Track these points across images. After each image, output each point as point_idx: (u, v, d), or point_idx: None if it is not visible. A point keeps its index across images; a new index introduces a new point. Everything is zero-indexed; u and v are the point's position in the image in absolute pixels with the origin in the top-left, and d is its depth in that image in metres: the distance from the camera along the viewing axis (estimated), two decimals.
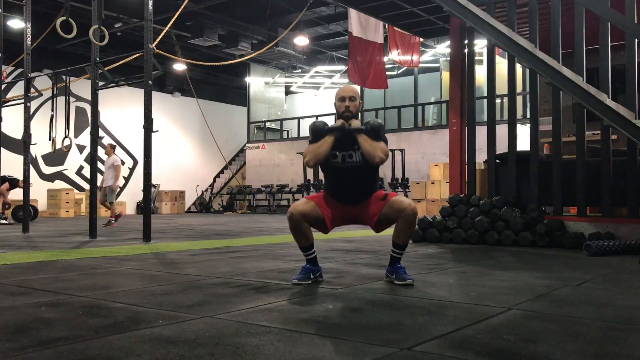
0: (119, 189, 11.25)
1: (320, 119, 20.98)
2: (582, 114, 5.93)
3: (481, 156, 7.06)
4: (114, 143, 12.77)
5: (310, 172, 17.95)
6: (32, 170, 15.35)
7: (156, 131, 6.90)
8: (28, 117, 8.76)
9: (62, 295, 2.99)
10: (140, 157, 14.51)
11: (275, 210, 18.93)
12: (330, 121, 3.52)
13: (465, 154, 6.85)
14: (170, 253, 5.36)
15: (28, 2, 8.82)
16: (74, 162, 18.35)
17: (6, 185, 11.89)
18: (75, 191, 17.66)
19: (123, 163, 13.24)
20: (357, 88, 3.63)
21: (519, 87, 10.66)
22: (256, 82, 22.12)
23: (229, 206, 20.53)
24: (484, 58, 7.70)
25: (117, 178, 10.79)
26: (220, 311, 2.53)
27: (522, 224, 5.77)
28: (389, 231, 3.44)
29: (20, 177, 9.38)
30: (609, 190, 5.76)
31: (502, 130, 6.60)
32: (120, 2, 14.20)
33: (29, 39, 8.79)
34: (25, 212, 8.80)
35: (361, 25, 14.70)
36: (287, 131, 22.61)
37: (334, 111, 3.49)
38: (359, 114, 3.47)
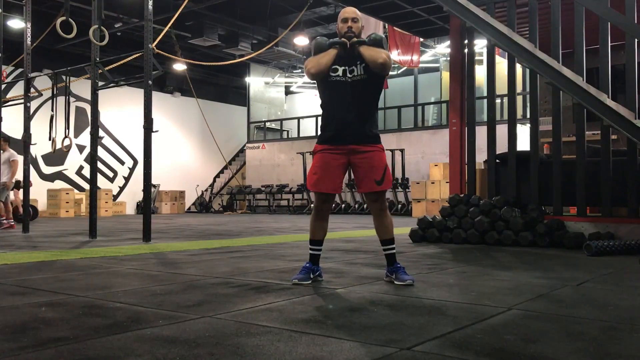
0: (13, 186, 10.56)
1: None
2: (582, 114, 5.93)
3: (481, 156, 7.06)
4: (7, 136, 11.47)
5: None
6: (32, 170, 15.35)
7: (156, 131, 6.89)
8: (28, 117, 8.76)
9: (62, 295, 2.99)
10: (140, 157, 14.52)
11: (275, 210, 18.93)
12: None
13: (465, 154, 6.85)
14: (170, 253, 5.36)
15: (28, 2, 8.82)
16: (74, 162, 18.35)
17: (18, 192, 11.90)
18: (75, 191, 17.66)
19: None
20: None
21: (519, 87, 10.66)
22: (256, 82, 22.13)
23: (229, 206, 20.53)
24: (484, 58, 7.70)
25: (13, 174, 10.11)
26: (220, 311, 2.53)
27: (522, 224, 5.77)
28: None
29: (21, 177, 9.36)
30: (609, 190, 5.76)
31: (502, 130, 6.60)
32: (120, 2, 14.20)
33: (29, 39, 8.79)
34: (25, 212, 8.80)
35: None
36: (287, 131, 22.61)
37: (337, 27, 3.49)
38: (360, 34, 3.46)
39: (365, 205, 16.61)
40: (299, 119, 21.24)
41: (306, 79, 22.53)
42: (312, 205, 3.80)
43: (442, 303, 2.73)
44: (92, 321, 2.35)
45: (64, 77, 9.33)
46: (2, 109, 9.02)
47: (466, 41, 6.96)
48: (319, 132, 3.51)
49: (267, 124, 21.90)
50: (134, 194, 19.75)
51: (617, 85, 6.53)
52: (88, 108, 15.93)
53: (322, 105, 3.50)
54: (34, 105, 12.96)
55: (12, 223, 9.94)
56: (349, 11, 3.44)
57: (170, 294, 3.02)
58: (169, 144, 20.55)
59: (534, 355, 1.84)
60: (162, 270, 4.08)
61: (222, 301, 2.79)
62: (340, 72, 3.34)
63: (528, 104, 12.13)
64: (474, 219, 6.07)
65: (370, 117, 3.40)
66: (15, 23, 14.59)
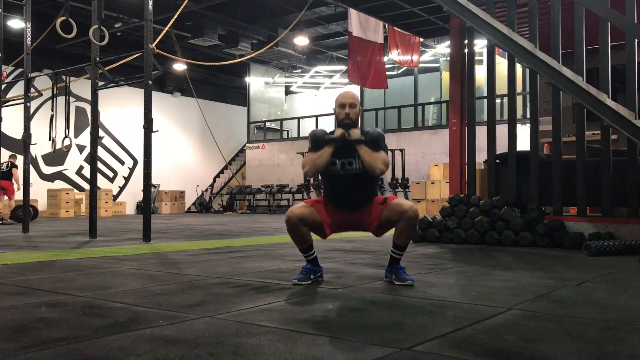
0: None
1: (320, 119, 20.93)
2: (582, 114, 5.93)
3: (481, 156, 7.06)
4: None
5: None
6: (32, 170, 15.36)
7: (156, 131, 6.89)
8: (28, 117, 8.76)
9: (62, 295, 2.99)
10: (140, 157, 14.51)
11: (275, 210, 18.93)
12: (330, 123, 3.47)
13: (465, 154, 6.85)
14: (170, 253, 5.36)
15: (28, 2, 8.82)
16: (74, 162, 18.35)
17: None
18: (75, 191, 17.66)
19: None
20: (357, 94, 3.57)
21: (519, 87, 10.65)
22: (256, 82, 22.12)
23: (229, 206, 20.53)
24: (484, 58, 7.69)
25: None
26: (220, 311, 2.53)
27: (522, 224, 5.77)
28: (390, 231, 3.44)
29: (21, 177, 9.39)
30: (609, 190, 5.76)
31: (502, 130, 6.60)
32: (120, 2, 14.20)
33: (29, 39, 8.79)
34: (25, 212, 8.80)
35: (361, 25, 14.69)
36: (287, 131, 22.61)
37: (333, 108, 3.46)
38: (359, 119, 3.45)
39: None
40: (299, 119, 21.24)
41: (306, 79, 22.56)
42: (286, 221, 3.59)
43: (442, 303, 2.73)
44: (92, 321, 2.35)
45: (64, 77, 9.34)
46: (2, 109, 9.03)
47: (466, 41, 6.96)
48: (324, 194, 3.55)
49: (267, 124, 21.90)
50: (134, 194, 19.75)
51: (617, 85, 6.53)
52: (88, 108, 15.93)
53: (323, 183, 3.56)
54: (34, 105, 12.97)
55: None
56: (347, 96, 3.40)
57: (170, 294, 3.02)
58: (169, 144, 20.54)
59: (534, 355, 1.84)
60: (162, 270, 4.08)
61: (222, 301, 2.78)
62: (338, 166, 3.34)
63: (528, 104, 12.13)
64: (474, 219, 6.07)
65: (371, 192, 3.44)
66: (15, 23, 14.59)
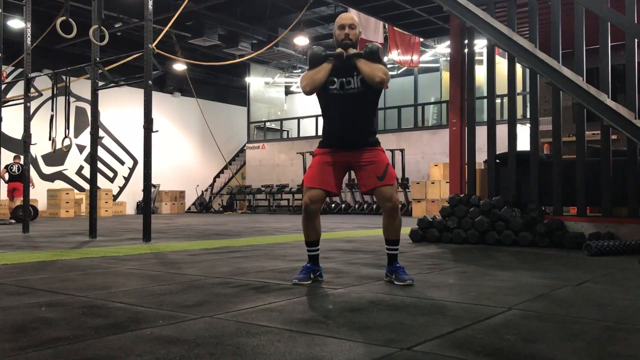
0: None
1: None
2: (582, 114, 5.93)
3: (481, 156, 7.06)
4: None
5: None
6: (32, 170, 15.38)
7: (156, 131, 6.89)
8: (28, 117, 8.76)
9: (62, 295, 2.99)
10: (140, 157, 14.51)
11: (275, 210, 18.93)
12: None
13: (465, 154, 6.85)
14: (170, 253, 5.36)
15: (28, 2, 8.82)
16: (74, 162, 18.36)
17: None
18: (75, 191, 17.67)
19: None
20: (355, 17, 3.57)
21: (519, 87, 10.65)
22: (256, 82, 22.13)
23: (229, 206, 20.53)
24: (484, 58, 7.70)
25: None
26: (220, 311, 2.53)
27: (522, 224, 5.77)
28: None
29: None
30: (609, 190, 5.76)
31: (502, 130, 6.60)
32: (120, 2, 14.20)
33: (29, 39, 8.79)
34: (25, 212, 8.80)
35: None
36: (287, 131, 22.61)
37: (333, 34, 3.42)
38: (358, 42, 3.41)
39: (365, 206, 16.63)
40: (299, 119, 21.24)
41: None
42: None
43: (442, 303, 2.73)
44: (92, 321, 2.35)
45: (64, 77, 9.33)
46: (2, 109, 9.03)
47: (466, 41, 6.96)
48: (321, 139, 3.50)
49: (267, 124, 21.90)
50: (134, 194, 19.76)
51: (617, 85, 6.53)
52: (88, 108, 15.93)
53: (322, 114, 3.51)
54: (34, 105, 12.96)
55: None
56: (346, 17, 3.40)
57: (170, 294, 3.02)
58: (169, 144, 20.55)
59: (534, 355, 1.84)
60: (162, 270, 4.08)
61: (222, 301, 2.78)
62: (337, 85, 3.31)
63: (528, 104, 12.13)
64: (474, 219, 6.07)
65: (369, 125, 3.40)
66: (15, 23, 14.59)
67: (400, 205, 3.37)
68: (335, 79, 3.30)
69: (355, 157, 3.34)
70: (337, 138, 3.37)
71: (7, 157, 12.87)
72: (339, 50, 3.32)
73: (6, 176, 12.93)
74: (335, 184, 3.37)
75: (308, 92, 3.34)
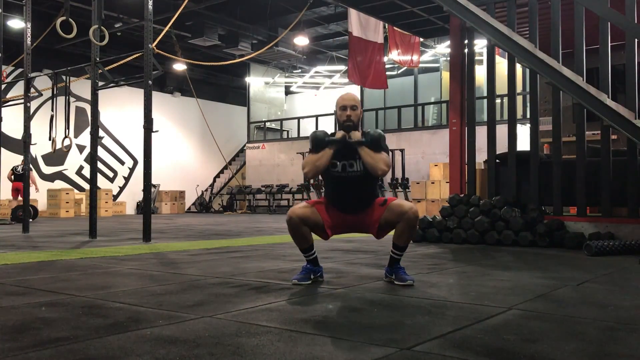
0: None
1: (320, 119, 20.92)
2: (582, 114, 5.93)
3: (481, 156, 7.06)
4: None
5: None
6: (36, 174, 15.40)
7: (156, 131, 6.89)
8: (28, 117, 8.76)
9: (62, 295, 2.99)
10: (140, 157, 14.52)
11: (275, 210, 18.92)
12: (330, 123, 3.46)
13: (465, 154, 6.85)
14: (170, 253, 5.36)
15: (28, 2, 8.82)
16: (74, 162, 18.36)
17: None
18: (75, 191, 17.67)
19: None
20: (357, 94, 3.55)
21: (519, 87, 10.66)
22: (256, 82, 22.12)
23: (229, 206, 20.52)
24: (484, 58, 7.69)
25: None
26: (220, 311, 2.53)
27: (522, 224, 5.77)
28: (389, 232, 3.44)
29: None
30: (609, 190, 5.76)
31: (502, 130, 6.60)
32: (120, 2, 14.20)
33: (29, 39, 8.79)
34: (25, 212, 8.80)
35: (361, 25, 14.69)
36: (287, 131, 22.61)
37: (334, 110, 3.46)
38: (360, 122, 3.45)
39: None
40: (299, 119, 21.23)
41: (306, 79, 22.55)
42: (287, 221, 3.63)
43: (442, 303, 2.73)
44: (92, 321, 2.35)
45: (64, 77, 9.33)
46: (2, 109, 9.02)
47: (466, 41, 6.96)
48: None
49: (267, 124, 21.90)
50: (134, 194, 19.75)
51: (617, 85, 6.52)
52: (88, 108, 15.93)
53: (324, 184, 3.57)
54: (34, 105, 12.97)
55: None
56: (348, 99, 3.39)
57: (170, 294, 3.02)
58: (169, 144, 20.55)
59: (534, 355, 1.84)
60: (162, 270, 4.08)
61: (222, 301, 2.78)
62: (339, 168, 3.34)
63: (528, 104, 12.12)
64: (474, 219, 6.07)
65: (371, 194, 3.44)
66: (15, 23, 14.59)
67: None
68: (338, 162, 3.34)
69: (358, 216, 3.40)
70: (340, 207, 3.42)
71: (8, 157, 12.87)
72: (340, 134, 3.33)
73: (12, 177, 13.08)
74: (331, 221, 3.37)
75: (310, 177, 3.40)
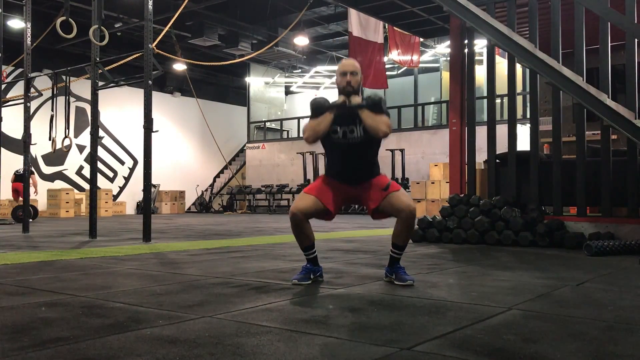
0: None
1: None
2: (582, 114, 5.93)
3: (481, 156, 7.06)
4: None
5: (310, 172, 17.94)
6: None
7: (156, 131, 6.89)
8: (28, 117, 8.76)
9: (62, 295, 2.99)
10: (140, 157, 14.51)
11: (275, 210, 18.93)
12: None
13: (465, 154, 6.85)
14: (170, 253, 5.36)
15: (28, 2, 8.82)
16: (74, 162, 18.36)
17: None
18: (75, 191, 17.67)
19: None
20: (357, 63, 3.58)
21: (519, 87, 10.66)
22: (256, 82, 22.12)
23: (229, 206, 20.52)
24: (484, 58, 7.70)
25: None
26: (220, 311, 2.53)
27: (522, 224, 5.77)
28: (389, 230, 3.43)
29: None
30: (609, 190, 5.76)
31: (502, 130, 6.60)
32: (120, 2, 14.20)
33: (29, 39, 8.79)
34: (25, 212, 8.80)
35: (361, 25, 14.70)
36: (287, 131, 22.61)
37: (335, 80, 3.45)
38: (360, 88, 3.44)
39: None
40: (299, 119, 21.24)
41: (306, 79, 22.55)
42: (290, 218, 3.67)
43: (442, 303, 2.73)
44: (92, 321, 2.35)
45: (64, 77, 9.33)
46: (2, 109, 9.02)
47: (466, 41, 6.96)
48: (326, 170, 3.54)
49: (267, 124, 21.90)
50: (134, 194, 19.75)
51: (617, 85, 6.52)
52: (88, 108, 15.93)
53: (325, 154, 3.55)
54: (34, 105, 12.98)
55: None
56: (348, 65, 3.40)
57: (170, 294, 3.02)
58: (169, 144, 20.55)
59: (534, 355, 1.84)
60: (162, 270, 4.08)
61: (222, 301, 2.78)
62: (340, 134, 3.33)
63: (528, 104, 12.13)
64: (474, 219, 6.07)
65: (372, 165, 3.43)
66: (15, 23, 14.59)
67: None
68: (338, 128, 3.32)
69: (358, 188, 3.39)
70: (341, 177, 3.40)
71: (8, 157, 12.87)
72: (341, 99, 3.34)
73: (13, 178, 13.09)
74: (333, 200, 3.36)
75: (311, 143, 3.37)
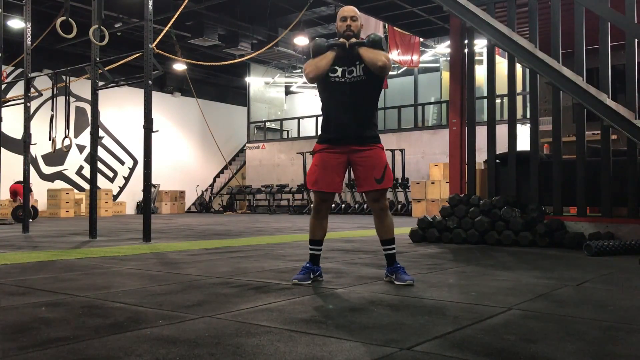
0: None
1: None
2: (582, 114, 5.93)
3: (481, 156, 7.06)
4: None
5: None
6: (32, 170, 15.36)
7: (156, 131, 6.89)
8: (28, 117, 8.76)
9: (62, 295, 2.99)
10: (140, 157, 14.52)
11: (275, 211, 18.93)
12: None
13: (465, 154, 6.85)
14: (170, 253, 5.36)
15: (28, 2, 8.81)
16: (74, 162, 18.35)
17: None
18: (75, 191, 17.66)
19: None
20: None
21: (519, 87, 10.66)
22: (256, 82, 22.12)
23: (229, 206, 20.52)
24: (484, 58, 7.70)
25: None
26: (220, 311, 2.53)
27: (522, 224, 5.77)
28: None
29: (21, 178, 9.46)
30: (609, 190, 5.76)
31: (502, 130, 6.60)
32: (120, 2, 14.20)
33: (29, 39, 8.79)
34: (25, 212, 8.80)
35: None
36: (287, 131, 22.61)
37: (336, 26, 3.49)
38: (359, 33, 3.46)
39: (365, 205, 16.62)
40: (299, 119, 21.24)
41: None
42: (312, 205, 3.99)
43: (442, 303, 2.73)
44: (92, 321, 2.35)
45: (64, 77, 9.33)
46: (2, 109, 9.02)
47: (466, 41, 6.96)
48: (319, 133, 3.52)
49: (267, 124, 21.90)
50: (134, 194, 19.75)
51: (617, 85, 6.52)
52: (88, 108, 15.93)
53: (322, 106, 3.53)
54: (34, 105, 12.98)
55: None
56: (348, 10, 3.44)
57: (170, 294, 3.02)
58: (169, 144, 20.54)
59: (534, 355, 1.84)
60: (162, 270, 4.08)
61: (222, 301, 2.79)
62: (339, 73, 3.34)
63: (528, 104, 12.13)
64: (474, 219, 6.07)
65: (370, 117, 3.41)
66: (15, 23, 14.59)
67: (388, 204, 3.47)
68: (338, 68, 3.34)
69: (355, 152, 3.34)
70: (337, 128, 3.36)
71: (8, 157, 12.86)
72: (341, 40, 3.37)
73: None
74: (339, 181, 3.41)
75: (312, 79, 3.37)
